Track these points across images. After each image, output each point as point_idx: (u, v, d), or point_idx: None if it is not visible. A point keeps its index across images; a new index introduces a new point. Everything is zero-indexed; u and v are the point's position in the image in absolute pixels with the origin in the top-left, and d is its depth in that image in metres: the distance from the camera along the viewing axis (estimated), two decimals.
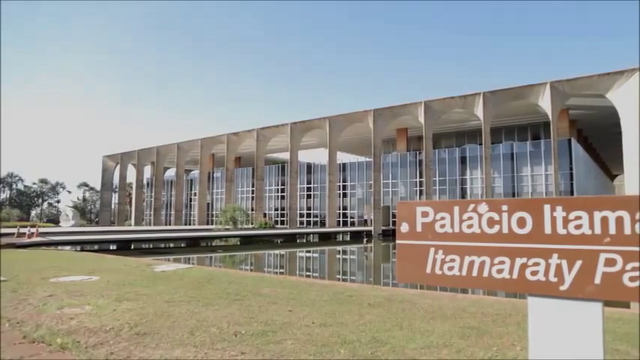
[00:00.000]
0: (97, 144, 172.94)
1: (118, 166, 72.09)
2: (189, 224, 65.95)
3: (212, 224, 55.88)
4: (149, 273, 10.61)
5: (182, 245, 30.24)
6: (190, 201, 70.59)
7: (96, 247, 25.88)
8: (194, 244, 30.38)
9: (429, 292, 8.30)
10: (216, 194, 67.08)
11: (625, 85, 35.61)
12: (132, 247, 26.50)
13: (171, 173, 73.12)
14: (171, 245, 30.46)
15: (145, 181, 74.70)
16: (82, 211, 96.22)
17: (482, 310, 6.47)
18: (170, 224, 66.60)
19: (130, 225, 65.58)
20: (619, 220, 2.58)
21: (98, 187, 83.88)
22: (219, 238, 35.36)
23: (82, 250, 23.13)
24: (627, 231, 2.56)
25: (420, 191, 48.43)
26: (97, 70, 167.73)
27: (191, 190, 70.78)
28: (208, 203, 65.55)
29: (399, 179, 51.60)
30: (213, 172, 68.27)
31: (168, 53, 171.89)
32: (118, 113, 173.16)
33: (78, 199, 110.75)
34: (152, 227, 55.69)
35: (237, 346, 4.45)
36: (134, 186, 71.46)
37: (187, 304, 6.54)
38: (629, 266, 2.54)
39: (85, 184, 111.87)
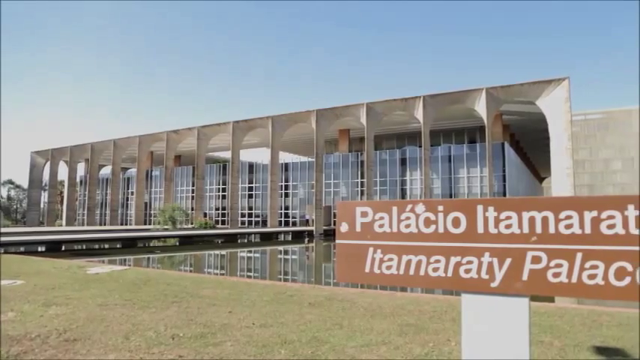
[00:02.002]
0: (24, 139, 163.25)
1: (49, 163, 68.29)
2: (126, 224, 63.55)
3: (150, 224, 54.16)
4: (81, 275, 10.13)
5: (118, 246, 29.09)
6: (127, 200, 68.03)
7: (22, 248, 24.38)
8: (130, 245, 29.30)
9: (369, 290, 8.44)
10: (154, 193, 65.06)
11: (552, 93, 37.81)
12: (63, 249, 25.18)
13: (106, 171, 70.15)
14: (106, 246, 29.25)
15: (78, 179, 71.25)
16: (6, 210, 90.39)
17: (419, 307, 6.66)
18: (105, 224, 63.89)
19: (61, 225, 62.33)
20: (544, 220, 2.74)
21: (25, 185, 79.08)
22: (158, 238, 34.33)
23: (5, 252, 21.70)
24: (552, 230, 2.72)
25: (361, 191, 49.20)
26: (27, 62, 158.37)
27: (128, 188, 68.24)
28: (146, 202, 63.47)
29: (340, 179, 52.15)
30: (151, 171, 66.17)
31: (108, 50, 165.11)
32: (46, 108, 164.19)
33: (2, 197, 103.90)
34: (85, 227, 53.20)
35: (175, 350, 4.34)
36: (66, 184, 67.95)
37: (122, 308, 6.30)
38: (552, 263, 2.70)
39: (10, 182, 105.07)
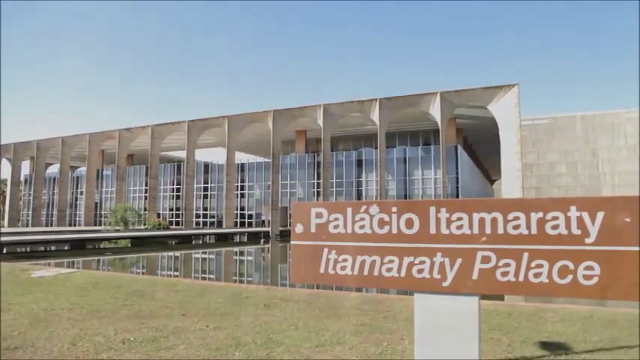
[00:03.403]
0: None
1: None
2: (75, 225, 61.19)
3: (101, 225, 52.35)
4: (24, 279, 9.68)
5: (65, 248, 27.96)
6: (76, 200, 65.50)
7: None
8: (79, 247, 28.24)
9: (324, 291, 8.47)
10: (105, 193, 62.92)
11: (503, 99, 39.14)
12: (4, 251, 23.98)
13: (54, 170, 67.28)
14: (53, 248, 28.06)
15: (22, 178, 68.05)
16: None
17: (374, 307, 6.74)
18: (52, 225, 61.29)
19: (3, 226, 59.31)
20: (494, 221, 2.82)
21: None
22: (108, 239, 33.23)
23: None
24: (500, 230, 2.81)
25: (318, 192, 49.31)
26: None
27: (77, 188, 65.71)
28: (97, 203, 61.31)
29: (297, 180, 52.10)
30: (102, 170, 63.98)
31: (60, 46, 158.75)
32: None
33: None
34: (30, 229, 50.86)
35: (125, 354, 4.21)
36: (9, 183, 64.74)
37: (69, 312, 6.06)
38: (501, 263, 2.79)
39: None
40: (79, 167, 70.26)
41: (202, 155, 69.21)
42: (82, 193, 61.49)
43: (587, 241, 2.66)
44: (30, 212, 64.29)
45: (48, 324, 5.36)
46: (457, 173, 45.18)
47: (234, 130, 48.86)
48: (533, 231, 2.75)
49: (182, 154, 55.80)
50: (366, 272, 3.01)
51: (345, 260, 3.06)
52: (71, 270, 12.72)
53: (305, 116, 46.46)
